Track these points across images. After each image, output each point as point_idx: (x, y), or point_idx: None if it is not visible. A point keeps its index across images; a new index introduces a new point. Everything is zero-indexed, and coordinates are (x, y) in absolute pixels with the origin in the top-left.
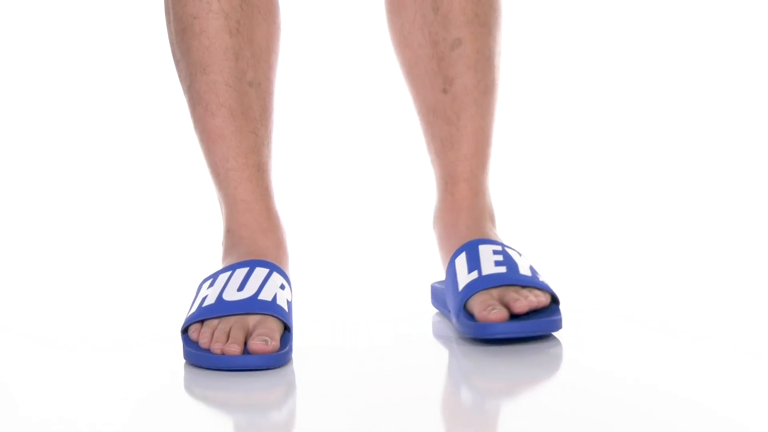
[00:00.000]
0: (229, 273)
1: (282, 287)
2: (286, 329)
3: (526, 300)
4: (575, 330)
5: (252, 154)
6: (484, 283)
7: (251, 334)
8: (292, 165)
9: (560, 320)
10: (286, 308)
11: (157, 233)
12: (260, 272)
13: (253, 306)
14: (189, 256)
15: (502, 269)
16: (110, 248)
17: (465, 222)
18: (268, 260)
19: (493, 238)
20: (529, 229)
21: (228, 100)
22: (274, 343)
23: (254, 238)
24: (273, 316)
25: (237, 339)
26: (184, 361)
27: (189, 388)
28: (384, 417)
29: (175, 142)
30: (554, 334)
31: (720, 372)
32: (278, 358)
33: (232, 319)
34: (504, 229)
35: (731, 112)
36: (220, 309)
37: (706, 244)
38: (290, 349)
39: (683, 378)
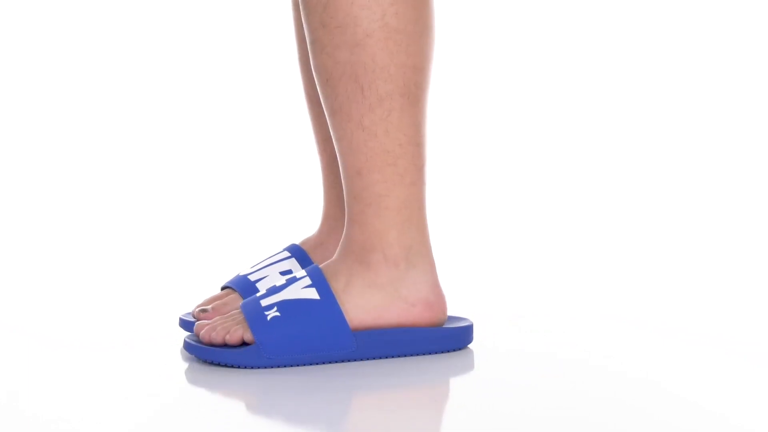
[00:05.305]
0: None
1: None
2: None
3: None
4: (575, 330)
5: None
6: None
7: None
8: (297, 163)
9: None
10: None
11: (156, 233)
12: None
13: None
14: (188, 256)
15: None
16: (110, 248)
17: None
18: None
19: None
20: (529, 230)
21: None
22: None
23: None
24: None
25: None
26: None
27: (188, 388)
28: (383, 417)
29: (175, 142)
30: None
31: (719, 372)
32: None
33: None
34: (504, 230)
35: (728, 114)
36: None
37: (705, 244)
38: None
39: (683, 378)
